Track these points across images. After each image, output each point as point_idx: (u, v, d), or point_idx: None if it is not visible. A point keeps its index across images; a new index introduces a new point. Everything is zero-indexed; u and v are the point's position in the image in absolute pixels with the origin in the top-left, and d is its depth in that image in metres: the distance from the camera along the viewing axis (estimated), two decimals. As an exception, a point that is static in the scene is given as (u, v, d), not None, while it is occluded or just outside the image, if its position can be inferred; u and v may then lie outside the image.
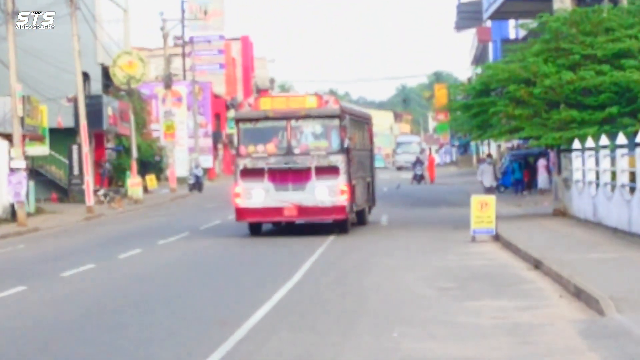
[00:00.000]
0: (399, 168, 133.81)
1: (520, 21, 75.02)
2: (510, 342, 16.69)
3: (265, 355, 16.21)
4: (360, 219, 42.17)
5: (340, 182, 36.11)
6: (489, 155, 62.35)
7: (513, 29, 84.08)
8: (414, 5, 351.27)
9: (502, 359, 15.26)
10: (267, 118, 36.99)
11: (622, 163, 33.67)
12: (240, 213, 37.31)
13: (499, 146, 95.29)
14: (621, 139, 34.21)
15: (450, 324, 18.67)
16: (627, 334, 16.41)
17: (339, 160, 36.49)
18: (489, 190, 44.45)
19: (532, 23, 54.65)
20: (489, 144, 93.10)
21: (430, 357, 15.57)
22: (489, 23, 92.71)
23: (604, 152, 36.57)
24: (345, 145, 36.95)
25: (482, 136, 55.65)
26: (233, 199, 37.90)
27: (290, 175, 36.52)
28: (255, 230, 38.57)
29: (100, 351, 17.33)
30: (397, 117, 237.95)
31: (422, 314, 19.94)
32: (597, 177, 37.40)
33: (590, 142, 38.74)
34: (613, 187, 34.58)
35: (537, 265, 27.23)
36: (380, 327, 18.48)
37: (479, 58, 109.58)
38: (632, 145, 32.94)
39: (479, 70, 71.72)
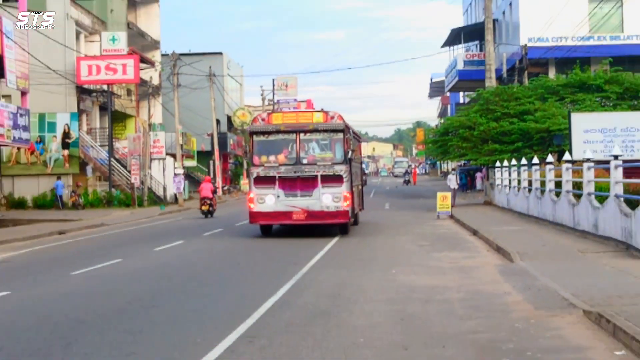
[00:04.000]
0: (396, 176, 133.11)
1: (467, 93, 74.85)
2: (459, 276, 16.69)
3: (321, 279, 16.29)
4: (355, 221, 31.92)
5: (343, 189, 26.52)
6: (454, 169, 61.98)
7: (462, 97, 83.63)
8: (406, 83, 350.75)
9: (455, 285, 15.24)
10: (278, 131, 27.20)
11: (524, 175, 33.61)
12: (254, 216, 27.21)
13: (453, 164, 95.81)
14: (523, 161, 34.21)
15: (425, 266, 18.68)
16: (526, 272, 16.40)
17: (342, 170, 26.66)
18: (453, 190, 44.21)
19: (473, 94, 54.52)
20: (447, 163, 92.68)
21: (414, 284, 15.57)
22: (448, 94, 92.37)
23: (513, 169, 36.49)
24: (348, 156, 27.27)
25: (443, 158, 55.64)
26: (247, 204, 27.64)
27: (298, 183, 26.69)
28: (266, 231, 28.55)
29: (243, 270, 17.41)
30: (395, 147, 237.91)
31: (409, 260, 19.95)
32: (509, 183, 37.32)
33: (505, 163, 38.74)
34: (518, 188, 34.50)
35: (474, 232, 27.14)
36: (385, 267, 18.50)
37: (442, 113, 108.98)
38: (529, 165, 32.89)
39: (442, 121, 71.60)
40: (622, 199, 19.79)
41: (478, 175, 58.67)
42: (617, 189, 20.07)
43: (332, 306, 13.34)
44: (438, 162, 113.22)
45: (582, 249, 19.94)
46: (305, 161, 26.83)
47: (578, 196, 24.33)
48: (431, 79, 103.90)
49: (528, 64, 50.87)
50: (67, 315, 13.02)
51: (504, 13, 60.92)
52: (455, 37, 67.85)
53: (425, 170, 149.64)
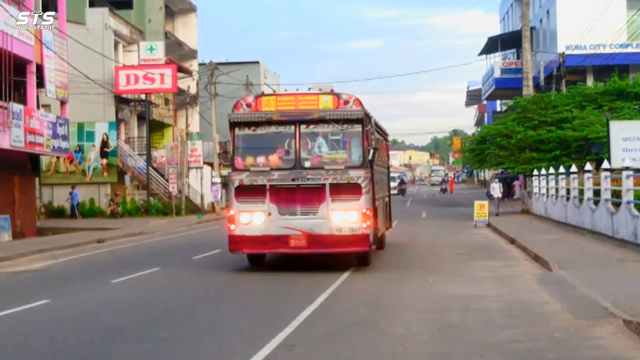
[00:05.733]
0: (432, 185, 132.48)
1: (504, 101, 74.59)
2: (497, 285, 16.62)
3: (358, 288, 16.39)
4: (380, 244, 23.70)
5: (362, 204, 18.31)
6: (497, 176, 61.54)
7: (499, 105, 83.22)
8: (443, 91, 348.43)
9: (493, 294, 15.19)
10: (270, 122, 18.83)
11: (562, 183, 33.45)
12: (234, 242, 18.97)
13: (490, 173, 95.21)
14: (561, 170, 34.00)
15: (462, 274, 18.63)
16: (565, 281, 16.31)
17: (360, 177, 18.40)
18: (497, 199, 43.84)
19: (510, 102, 54.40)
20: (484, 172, 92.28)
21: (451, 293, 15.53)
22: (485, 102, 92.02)
23: (550, 177, 36.38)
24: (369, 157, 19.02)
25: (480, 167, 55.82)
26: (226, 224, 19.34)
27: (298, 194, 18.50)
28: (256, 262, 20.53)
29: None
30: (432, 155, 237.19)
31: (447, 268, 19.91)
32: (547, 191, 37.16)
33: (543, 171, 38.62)
34: (556, 197, 34.35)
35: (512, 241, 27.00)
36: (423, 275, 18.45)
37: (479, 122, 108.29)
38: (567, 174, 32.76)
39: (479, 129, 71.44)
40: (662, 207, 19.67)
41: (516, 183, 58.42)
42: (657, 198, 19.96)
43: (370, 315, 13.34)
44: (475, 171, 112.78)
45: (621, 258, 19.82)
46: (308, 164, 18.77)
47: (617, 205, 24.16)
48: (468, 87, 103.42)
49: (566, 71, 50.63)
50: (107, 324, 13.11)
51: (541, 21, 60.64)
52: (492, 45, 67.60)
53: (462, 179, 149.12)
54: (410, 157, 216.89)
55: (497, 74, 65.46)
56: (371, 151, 19.07)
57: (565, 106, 43.59)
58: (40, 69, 35.94)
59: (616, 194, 24.80)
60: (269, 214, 18.50)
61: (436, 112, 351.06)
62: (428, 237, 30.16)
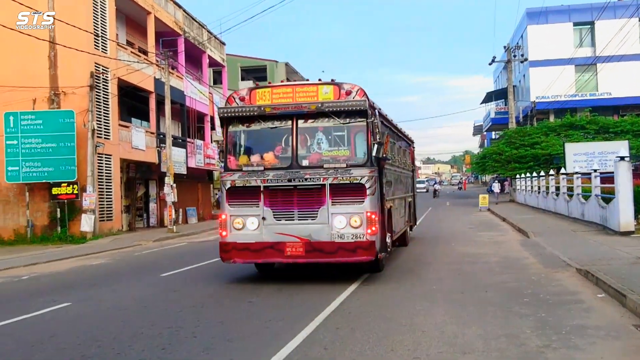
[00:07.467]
0: (452, 185, 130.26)
1: (497, 132, 73.09)
2: (494, 247, 16.34)
3: (406, 250, 16.02)
4: (402, 241, 16.58)
5: (366, 206, 10.10)
6: (495, 178, 60.29)
7: (494, 134, 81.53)
8: (459, 126, 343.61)
9: (492, 252, 14.93)
10: (263, 116, 10.51)
11: (535, 183, 32.73)
12: (225, 250, 10.93)
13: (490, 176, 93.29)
14: (534, 174, 33.20)
15: (472, 241, 18.34)
16: (537, 244, 15.97)
17: (364, 176, 10.07)
18: (497, 193, 43.51)
19: (501, 132, 53.22)
20: (485, 176, 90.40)
21: (465, 252, 15.34)
22: (485, 133, 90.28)
23: (527, 179, 35.54)
24: (374, 153, 10.27)
25: (482, 173, 54.76)
26: (219, 230, 11.28)
27: (295, 197, 10.37)
28: (264, 266, 12.42)
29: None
30: (452, 167, 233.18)
31: (462, 237, 19.58)
32: (525, 188, 36.33)
33: (522, 175, 37.76)
34: (532, 191, 33.60)
35: (504, 219, 26.46)
36: (447, 243, 18.20)
37: (481, 145, 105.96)
38: (538, 177, 32.05)
39: (481, 149, 70.07)
40: (599, 197, 19.24)
41: (505, 183, 57.30)
42: (596, 191, 19.57)
43: (415, 266, 13.28)
44: (479, 176, 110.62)
45: (574, 229, 19.33)
46: (306, 163, 10.81)
47: (570, 195, 23.68)
48: (474, 124, 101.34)
49: (536, 112, 49.67)
50: (251, 272, 13.30)
51: (520, 81, 59.31)
52: (489, 97, 66.47)
53: (471, 181, 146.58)
54: (438, 168, 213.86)
55: (493, 115, 64.49)
56: (376, 146, 10.68)
57: (536, 134, 42.56)
58: (212, 119, 36.79)
59: (570, 189, 24.29)
60: (264, 218, 10.88)
61: (454, 139, 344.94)
62: (450, 218, 29.82)
